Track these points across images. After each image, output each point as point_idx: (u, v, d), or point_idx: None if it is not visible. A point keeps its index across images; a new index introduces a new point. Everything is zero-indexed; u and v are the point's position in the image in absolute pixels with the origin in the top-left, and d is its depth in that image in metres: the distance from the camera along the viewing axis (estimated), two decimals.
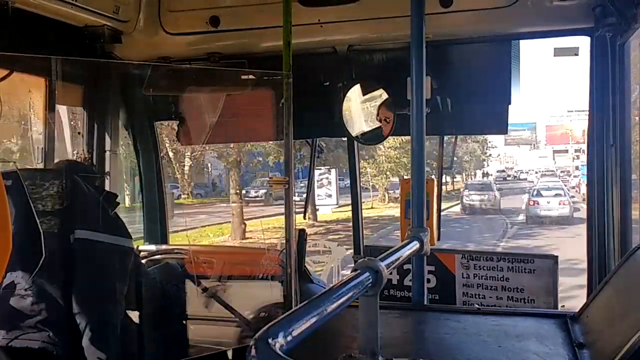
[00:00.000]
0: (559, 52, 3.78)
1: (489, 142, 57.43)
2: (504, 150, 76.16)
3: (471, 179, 60.43)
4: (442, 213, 4.14)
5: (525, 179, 66.95)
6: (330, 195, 26.29)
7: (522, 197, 38.62)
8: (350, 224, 4.33)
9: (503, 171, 72.33)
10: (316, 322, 1.39)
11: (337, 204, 27.07)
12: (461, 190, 42.42)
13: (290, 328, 1.29)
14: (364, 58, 4.06)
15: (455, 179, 56.65)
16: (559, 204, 29.54)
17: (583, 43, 3.56)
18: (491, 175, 65.82)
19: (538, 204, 29.96)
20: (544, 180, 45.91)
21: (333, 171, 25.65)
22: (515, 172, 75.16)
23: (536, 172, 69.05)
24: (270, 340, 1.21)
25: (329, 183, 26.11)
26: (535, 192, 31.65)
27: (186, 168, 23.55)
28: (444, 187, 46.19)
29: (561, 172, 65.99)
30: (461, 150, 44.05)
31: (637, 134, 3.24)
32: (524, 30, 3.79)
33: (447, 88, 3.80)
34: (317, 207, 24.31)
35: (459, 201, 37.08)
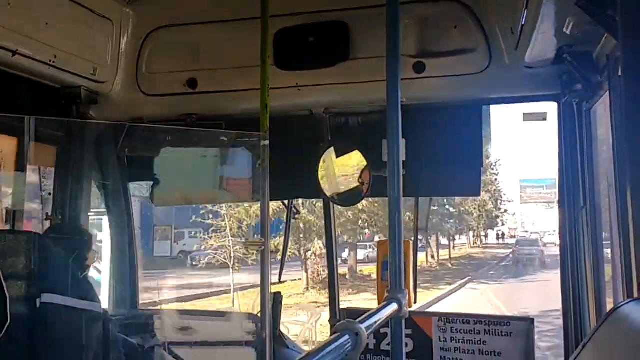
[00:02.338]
0: (527, 117, 3.91)
1: (503, 194, 46.32)
2: (519, 210, 63.24)
3: (481, 240, 51.67)
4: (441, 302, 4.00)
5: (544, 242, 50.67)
6: None
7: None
8: None
9: (502, 235, 58.11)
10: None
11: None
12: (513, 246, 40.34)
13: None
14: (340, 121, 4.13)
15: (456, 240, 44.30)
16: None
17: (552, 108, 3.69)
18: (507, 236, 55.01)
19: None
20: None
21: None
22: (525, 233, 58.93)
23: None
24: None
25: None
26: None
27: None
28: (442, 253, 37.13)
29: None
30: (466, 204, 36.00)
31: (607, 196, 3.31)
32: (494, 95, 3.92)
33: (421, 151, 3.86)
34: None
35: (462, 282, 26.88)
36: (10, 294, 2.86)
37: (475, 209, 39.09)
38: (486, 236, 54.56)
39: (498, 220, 48.34)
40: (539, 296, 19.26)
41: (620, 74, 2.57)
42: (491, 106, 4.09)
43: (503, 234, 56.58)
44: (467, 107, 3.95)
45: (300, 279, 22.96)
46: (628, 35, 2.25)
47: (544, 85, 3.58)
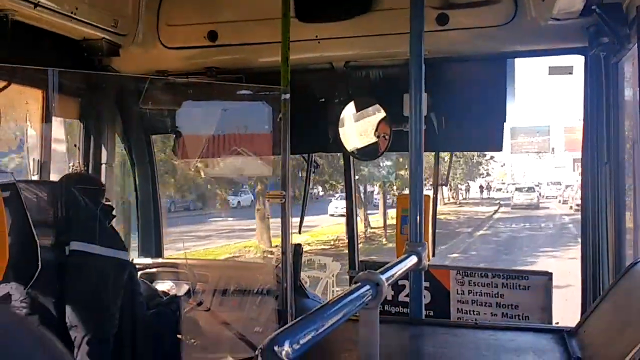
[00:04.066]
0: (553, 70, 3.84)
1: None
2: (509, 160, 55.03)
3: (460, 195, 46.57)
4: None
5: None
6: None
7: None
8: None
9: (488, 186, 51.99)
10: (321, 332, 1.39)
11: None
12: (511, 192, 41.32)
13: (296, 337, 1.29)
14: (360, 74, 4.10)
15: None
16: None
17: (578, 62, 3.61)
18: (493, 189, 51.36)
19: None
20: None
21: None
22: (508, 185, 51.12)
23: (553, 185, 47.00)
24: (276, 348, 1.22)
25: None
26: None
27: None
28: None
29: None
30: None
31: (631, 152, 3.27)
32: (518, 48, 3.84)
33: (443, 105, 3.83)
34: None
35: None
36: (40, 241, 2.94)
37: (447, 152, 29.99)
38: (468, 190, 46.77)
39: (480, 167, 38.79)
40: None
41: None
42: (515, 60, 3.98)
43: (489, 186, 49.65)
44: (491, 60, 3.88)
45: None
46: None
47: (570, 38, 3.49)
